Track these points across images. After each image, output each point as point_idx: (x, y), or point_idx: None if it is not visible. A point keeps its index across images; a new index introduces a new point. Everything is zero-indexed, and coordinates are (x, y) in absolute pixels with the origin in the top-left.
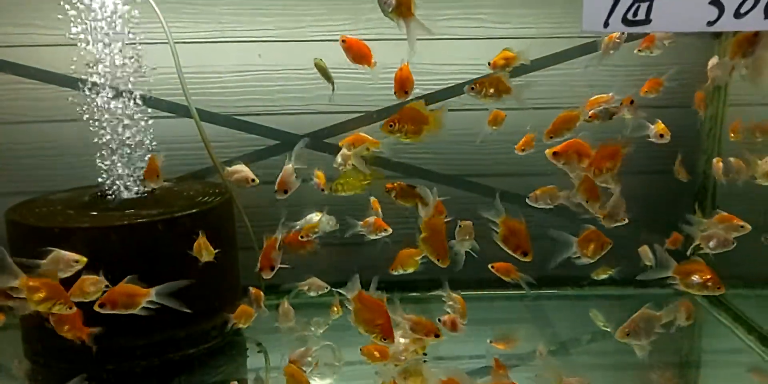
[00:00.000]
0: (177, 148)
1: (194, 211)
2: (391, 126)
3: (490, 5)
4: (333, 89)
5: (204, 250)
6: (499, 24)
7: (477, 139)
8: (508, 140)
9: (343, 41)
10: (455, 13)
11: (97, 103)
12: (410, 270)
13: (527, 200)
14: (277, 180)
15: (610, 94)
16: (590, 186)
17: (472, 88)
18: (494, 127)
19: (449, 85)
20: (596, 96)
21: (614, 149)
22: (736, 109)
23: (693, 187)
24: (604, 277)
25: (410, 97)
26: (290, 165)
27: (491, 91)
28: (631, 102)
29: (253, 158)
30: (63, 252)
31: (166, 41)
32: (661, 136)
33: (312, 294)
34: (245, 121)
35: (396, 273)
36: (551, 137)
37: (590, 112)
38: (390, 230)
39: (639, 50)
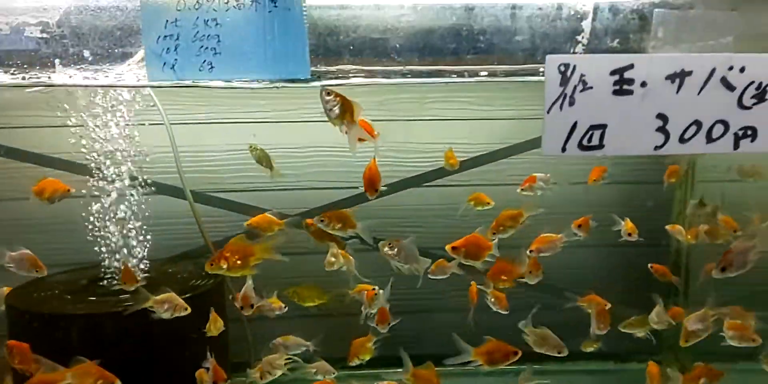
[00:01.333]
0: (173, 223)
1: (187, 295)
2: (212, 265)
3: (474, 89)
4: (272, 175)
5: (212, 325)
6: (482, 106)
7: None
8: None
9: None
10: (442, 96)
11: (98, 186)
12: (367, 357)
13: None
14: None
15: None
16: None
17: None
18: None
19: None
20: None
21: (507, 267)
22: (705, 184)
23: (667, 259)
24: (591, 349)
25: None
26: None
27: None
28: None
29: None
30: None
31: (163, 122)
32: (630, 234)
33: (318, 377)
34: (238, 203)
35: (353, 364)
36: (494, 233)
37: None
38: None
39: None
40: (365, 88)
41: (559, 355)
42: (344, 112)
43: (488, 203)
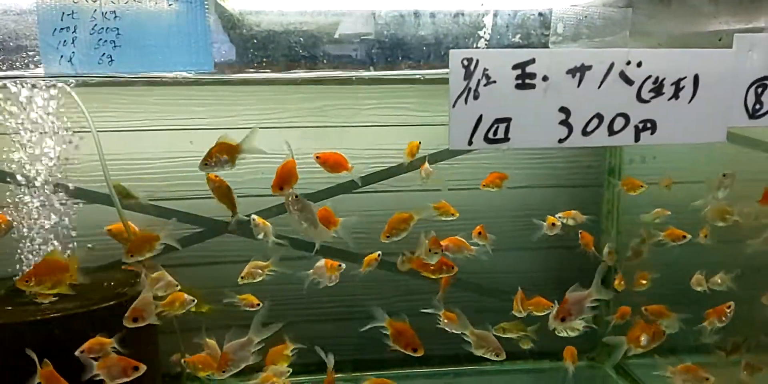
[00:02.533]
0: (104, 233)
1: (112, 303)
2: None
3: (412, 96)
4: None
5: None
6: (419, 112)
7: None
8: (434, 219)
9: (317, 157)
10: (379, 102)
11: (20, 194)
12: (285, 365)
13: None
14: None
15: None
16: None
17: None
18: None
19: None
20: None
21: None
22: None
23: (598, 263)
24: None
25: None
26: (149, 293)
27: None
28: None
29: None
30: None
31: (89, 130)
32: (553, 224)
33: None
34: (168, 208)
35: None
36: (388, 236)
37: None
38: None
39: None
40: (301, 94)
41: (497, 359)
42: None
43: (452, 214)
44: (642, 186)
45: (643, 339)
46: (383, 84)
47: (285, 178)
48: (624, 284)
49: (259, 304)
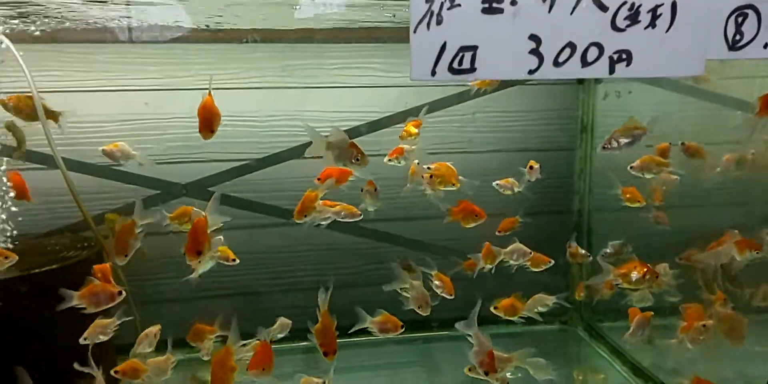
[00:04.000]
0: (51, 201)
1: (54, 267)
2: None
3: (382, 56)
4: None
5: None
6: (389, 73)
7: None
8: (396, 184)
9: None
10: (348, 62)
11: None
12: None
13: None
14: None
15: None
16: None
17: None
18: None
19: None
20: None
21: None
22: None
23: (569, 225)
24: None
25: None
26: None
27: None
28: None
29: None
30: None
31: (29, 90)
32: (531, 167)
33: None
34: (122, 171)
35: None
36: (305, 216)
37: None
38: None
39: None
40: (265, 52)
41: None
42: None
43: (453, 184)
44: (640, 201)
45: (634, 275)
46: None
47: (210, 117)
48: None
49: (234, 260)
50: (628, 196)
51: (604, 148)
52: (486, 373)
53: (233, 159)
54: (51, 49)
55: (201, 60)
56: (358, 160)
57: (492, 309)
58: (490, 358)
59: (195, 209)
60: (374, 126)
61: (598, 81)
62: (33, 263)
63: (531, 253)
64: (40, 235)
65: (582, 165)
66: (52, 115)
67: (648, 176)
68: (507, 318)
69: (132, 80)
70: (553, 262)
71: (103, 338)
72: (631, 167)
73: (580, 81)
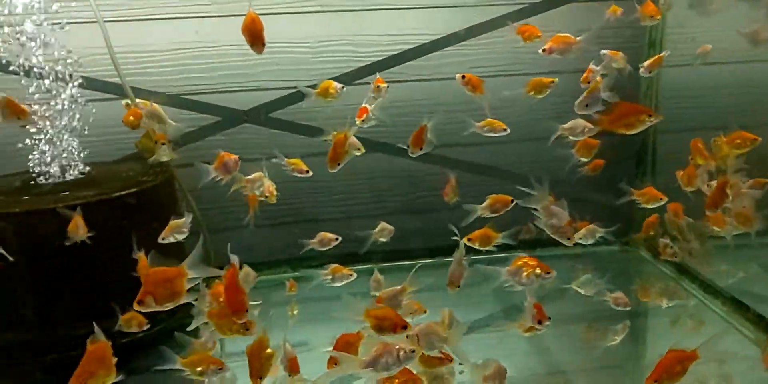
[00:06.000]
0: (116, 132)
1: (133, 190)
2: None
3: None
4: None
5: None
6: None
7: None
8: (452, 110)
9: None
10: None
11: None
12: None
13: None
14: None
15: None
16: None
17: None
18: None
19: (391, 55)
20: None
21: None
22: (673, 69)
23: (633, 147)
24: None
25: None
26: None
27: None
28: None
29: (196, 136)
30: None
31: (95, 20)
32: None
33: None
34: (186, 99)
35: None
36: (338, 164)
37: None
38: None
39: None
40: None
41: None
42: None
43: (504, 129)
44: (661, 198)
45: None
46: None
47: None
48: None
49: (307, 171)
50: None
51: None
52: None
53: (284, 87)
54: None
55: None
56: None
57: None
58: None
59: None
60: (421, 51)
61: None
62: (114, 187)
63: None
64: (111, 163)
65: (648, 83)
66: None
67: None
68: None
69: (180, 8)
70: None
71: (179, 237)
72: None
73: None
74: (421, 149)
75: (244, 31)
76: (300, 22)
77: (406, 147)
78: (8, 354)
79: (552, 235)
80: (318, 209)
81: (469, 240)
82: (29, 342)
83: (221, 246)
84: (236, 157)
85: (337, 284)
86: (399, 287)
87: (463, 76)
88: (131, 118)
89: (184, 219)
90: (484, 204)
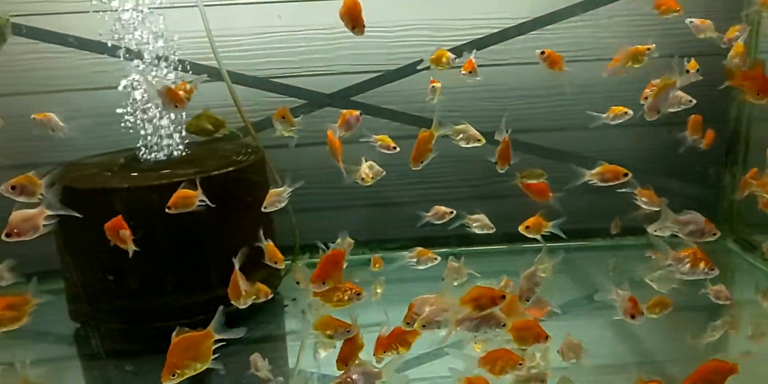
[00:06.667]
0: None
1: (230, 169)
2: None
3: None
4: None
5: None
6: None
7: None
8: (531, 95)
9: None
10: None
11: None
12: None
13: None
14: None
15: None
16: None
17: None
18: None
19: (471, 40)
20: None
21: None
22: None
23: (724, 135)
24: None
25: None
26: None
27: None
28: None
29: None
30: None
31: (195, 4)
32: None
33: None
34: (272, 82)
35: None
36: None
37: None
38: None
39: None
40: None
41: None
42: None
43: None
44: None
45: None
46: None
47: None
48: None
49: (395, 147)
50: None
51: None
52: None
53: (363, 71)
54: None
55: None
56: None
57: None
58: None
59: None
60: (504, 35)
61: None
62: (212, 166)
63: None
64: (202, 142)
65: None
66: None
67: None
68: None
69: None
70: None
71: (279, 206)
72: None
73: None
74: (509, 164)
75: (344, 14)
76: (378, 6)
77: (494, 162)
78: (121, 319)
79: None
80: (394, 193)
81: (526, 228)
82: (139, 309)
83: (305, 225)
84: (357, 112)
85: (421, 267)
86: (532, 268)
87: (543, 52)
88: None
89: (284, 187)
90: (595, 170)
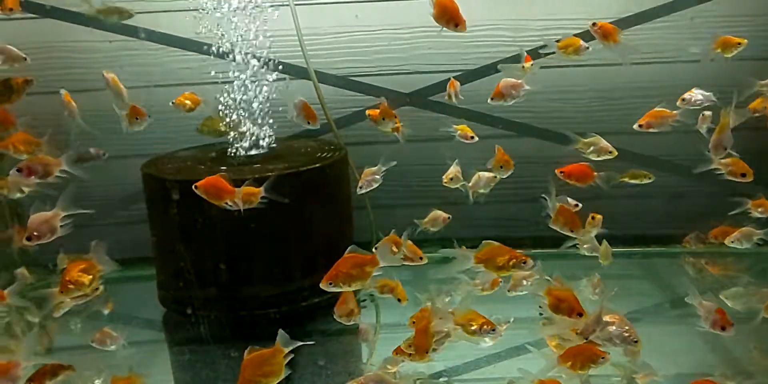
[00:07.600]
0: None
1: (317, 165)
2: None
3: None
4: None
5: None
6: None
7: None
8: (605, 96)
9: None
10: None
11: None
12: None
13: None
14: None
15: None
16: None
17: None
18: None
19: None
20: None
21: None
22: None
23: None
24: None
25: None
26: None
27: None
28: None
29: (363, 117)
30: None
31: (287, 4)
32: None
33: None
34: (352, 80)
35: None
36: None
37: None
38: None
39: None
40: None
41: None
42: None
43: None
44: None
45: None
46: None
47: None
48: None
49: (472, 137)
50: None
51: None
52: None
53: (439, 70)
54: None
55: None
56: None
57: None
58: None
59: None
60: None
61: None
62: (299, 162)
63: None
64: (287, 138)
65: None
66: None
67: None
68: None
69: None
70: None
71: (375, 185)
72: None
73: None
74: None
75: (442, 14)
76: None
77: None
78: (205, 307)
79: None
80: (447, 192)
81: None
82: (222, 298)
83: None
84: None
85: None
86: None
87: (594, 24)
88: (187, 101)
89: (378, 166)
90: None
